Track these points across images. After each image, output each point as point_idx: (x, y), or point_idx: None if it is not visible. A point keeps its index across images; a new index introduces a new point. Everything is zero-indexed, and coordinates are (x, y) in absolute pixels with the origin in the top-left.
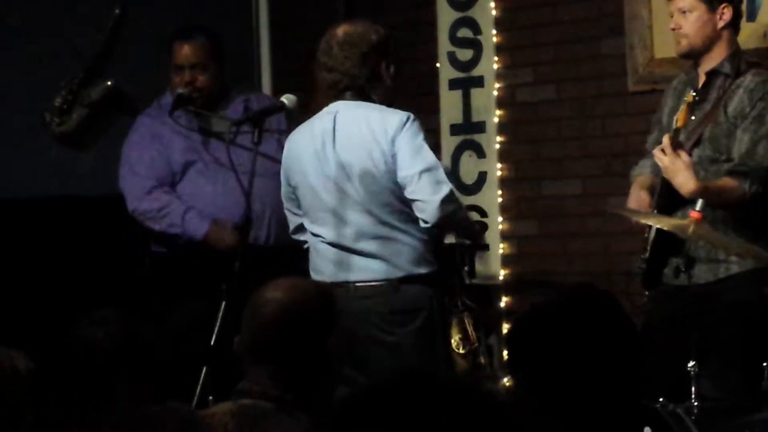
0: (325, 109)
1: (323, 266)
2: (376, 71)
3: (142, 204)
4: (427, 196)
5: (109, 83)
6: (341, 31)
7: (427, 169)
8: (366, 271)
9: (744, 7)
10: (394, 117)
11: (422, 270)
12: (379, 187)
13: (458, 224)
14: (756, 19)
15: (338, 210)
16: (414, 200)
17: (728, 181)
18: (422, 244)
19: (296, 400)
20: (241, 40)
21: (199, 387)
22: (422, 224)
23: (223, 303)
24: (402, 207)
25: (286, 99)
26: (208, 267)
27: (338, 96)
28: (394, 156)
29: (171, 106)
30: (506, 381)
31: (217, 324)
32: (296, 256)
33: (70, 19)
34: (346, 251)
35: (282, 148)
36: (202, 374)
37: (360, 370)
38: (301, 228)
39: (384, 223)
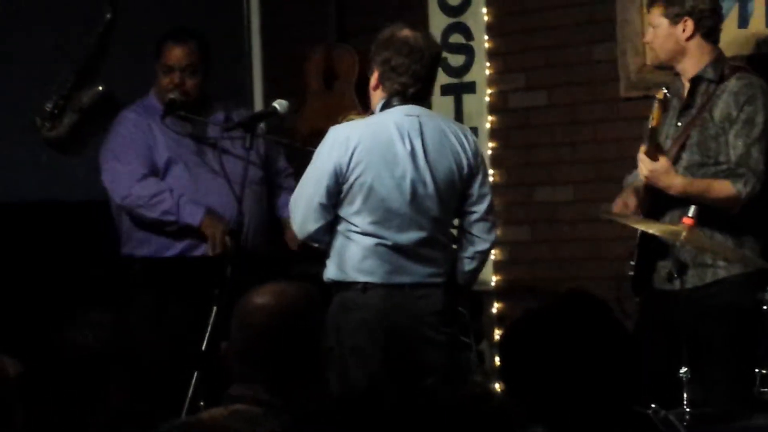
0: (401, 109)
1: (375, 267)
2: (433, 83)
3: (133, 190)
4: (493, 217)
5: (100, 88)
6: (413, 36)
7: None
8: (421, 274)
9: (735, 14)
10: (468, 131)
11: (446, 278)
12: (452, 197)
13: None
14: (748, 26)
15: (409, 213)
16: (483, 218)
17: (718, 181)
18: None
19: (287, 405)
20: (232, 45)
21: (190, 392)
22: (482, 234)
23: (215, 308)
24: (452, 218)
25: (278, 104)
26: (198, 271)
27: (404, 100)
28: (477, 170)
29: (163, 112)
30: (498, 387)
31: (209, 329)
32: (272, 262)
33: (60, 23)
34: (408, 255)
35: (260, 154)
36: (194, 379)
37: (414, 369)
38: (325, 228)
39: (444, 232)
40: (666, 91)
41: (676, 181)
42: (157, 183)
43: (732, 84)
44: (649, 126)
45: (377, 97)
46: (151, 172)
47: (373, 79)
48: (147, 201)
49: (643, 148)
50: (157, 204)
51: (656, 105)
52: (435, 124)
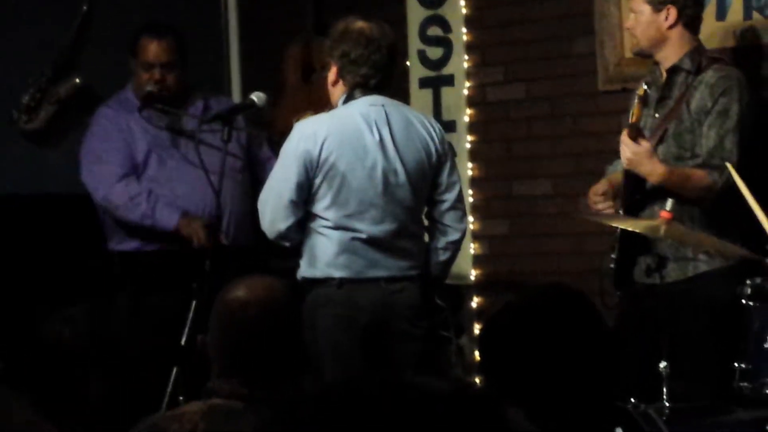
0: (366, 100)
1: (350, 262)
2: (393, 72)
3: (113, 192)
4: (463, 205)
5: (77, 80)
6: (367, 27)
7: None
8: (396, 267)
9: (714, 6)
10: (433, 120)
11: (423, 270)
12: (423, 185)
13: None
14: (726, 19)
15: (383, 205)
16: (453, 207)
17: (697, 171)
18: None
19: (267, 398)
20: (210, 38)
21: (169, 386)
22: (454, 223)
23: (194, 302)
24: (424, 207)
25: (256, 97)
26: (176, 265)
27: (366, 91)
28: (445, 158)
29: (141, 104)
30: (477, 381)
31: (188, 323)
32: (253, 254)
33: (37, 16)
34: (383, 247)
35: (241, 145)
36: (173, 373)
37: (392, 363)
38: (296, 225)
39: (417, 222)
40: (646, 87)
41: (657, 167)
42: (136, 185)
43: (709, 76)
44: (629, 122)
45: (338, 92)
46: (130, 169)
47: (332, 74)
48: (125, 203)
49: (625, 131)
50: (135, 207)
51: (636, 101)
52: (400, 113)
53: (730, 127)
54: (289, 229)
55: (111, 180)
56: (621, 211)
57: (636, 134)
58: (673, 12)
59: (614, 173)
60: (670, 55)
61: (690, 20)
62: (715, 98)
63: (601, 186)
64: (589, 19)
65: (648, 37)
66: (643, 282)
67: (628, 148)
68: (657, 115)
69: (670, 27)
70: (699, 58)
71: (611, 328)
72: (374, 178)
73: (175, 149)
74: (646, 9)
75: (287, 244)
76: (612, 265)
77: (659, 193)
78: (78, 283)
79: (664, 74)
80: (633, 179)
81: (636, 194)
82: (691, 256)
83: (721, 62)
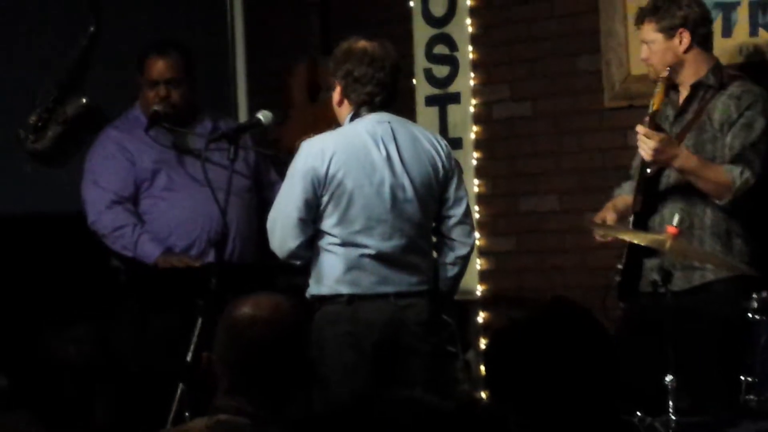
0: (372, 117)
1: (359, 278)
2: (397, 91)
3: (100, 219)
4: (471, 220)
5: (84, 100)
6: (370, 45)
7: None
8: (405, 283)
9: (719, 23)
10: (439, 136)
11: (431, 286)
12: (431, 200)
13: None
14: (731, 35)
15: (391, 220)
16: (461, 222)
17: (717, 165)
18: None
19: (273, 415)
20: (216, 57)
21: (175, 403)
22: (462, 238)
23: (200, 319)
24: (432, 223)
25: (262, 115)
26: (182, 282)
27: (372, 109)
28: (452, 173)
29: (147, 124)
30: (484, 396)
31: (194, 340)
32: (259, 272)
33: (44, 35)
34: (392, 263)
35: (249, 165)
36: (179, 391)
37: (400, 379)
38: (307, 244)
39: (425, 237)
40: (669, 71)
41: (682, 149)
42: (122, 215)
43: (733, 88)
44: (650, 110)
45: (344, 111)
46: (126, 194)
47: (336, 94)
48: (109, 233)
49: (642, 129)
50: (118, 238)
51: (660, 86)
52: (406, 130)
53: (753, 140)
54: (299, 247)
55: (100, 207)
56: (631, 218)
57: (654, 127)
58: (686, 35)
59: (620, 197)
60: (689, 75)
61: (703, 39)
62: (741, 111)
63: (610, 216)
64: (594, 37)
65: (666, 64)
66: (649, 291)
67: (651, 139)
68: (674, 129)
69: (686, 50)
70: (720, 74)
71: (614, 339)
72: (382, 194)
73: (182, 167)
74: (659, 37)
75: (298, 263)
76: (618, 277)
77: (671, 202)
78: (84, 302)
79: (684, 92)
80: (646, 185)
81: (649, 199)
82: (698, 265)
83: (741, 78)
